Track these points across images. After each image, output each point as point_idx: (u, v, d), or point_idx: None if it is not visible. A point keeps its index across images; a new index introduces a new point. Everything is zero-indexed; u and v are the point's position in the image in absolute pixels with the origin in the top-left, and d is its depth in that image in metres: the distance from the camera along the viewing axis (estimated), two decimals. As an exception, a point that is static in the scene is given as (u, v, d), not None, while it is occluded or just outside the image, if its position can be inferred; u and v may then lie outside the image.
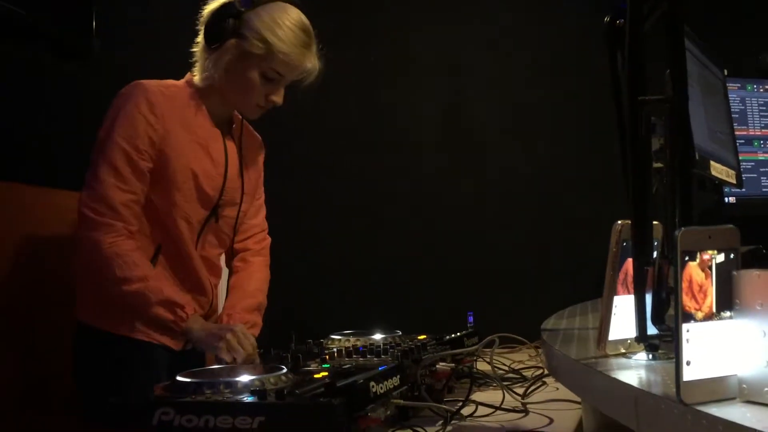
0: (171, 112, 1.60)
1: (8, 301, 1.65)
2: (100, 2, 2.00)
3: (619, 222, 0.95)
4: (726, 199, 2.11)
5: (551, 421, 1.25)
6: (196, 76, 1.67)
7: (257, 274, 1.84)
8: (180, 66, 1.79)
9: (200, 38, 1.65)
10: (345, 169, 2.75)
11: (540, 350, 1.72)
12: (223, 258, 1.86)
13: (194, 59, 1.68)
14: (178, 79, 1.71)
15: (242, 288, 1.79)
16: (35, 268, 1.75)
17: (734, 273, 0.68)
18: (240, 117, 1.78)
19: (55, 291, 1.74)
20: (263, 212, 1.93)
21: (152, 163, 1.58)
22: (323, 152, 2.78)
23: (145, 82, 1.60)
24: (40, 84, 1.90)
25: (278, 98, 1.66)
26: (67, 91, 1.98)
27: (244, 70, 1.60)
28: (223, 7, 1.60)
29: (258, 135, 1.90)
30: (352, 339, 1.68)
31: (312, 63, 1.66)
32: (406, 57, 2.74)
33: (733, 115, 1.92)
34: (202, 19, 1.63)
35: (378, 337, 1.70)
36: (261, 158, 1.89)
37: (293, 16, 1.61)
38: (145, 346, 1.60)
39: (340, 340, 1.69)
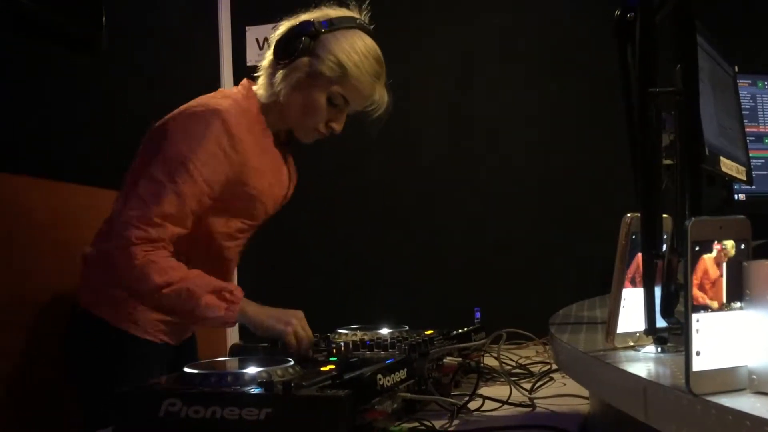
0: (247, 139, 1.55)
1: (8, 298, 1.66)
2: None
3: (629, 215, 0.94)
4: (736, 196, 2.10)
5: (559, 415, 1.25)
6: (260, 90, 1.62)
7: None
8: (187, 61, 1.79)
9: (269, 52, 1.61)
10: (354, 166, 2.75)
11: (547, 347, 1.71)
12: None
13: (259, 73, 1.64)
14: (182, 79, 1.71)
15: None
16: (37, 261, 1.75)
17: (745, 264, 0.68)
18: None
19: (55, 284, 1.74)
20: None
21: (216, 201, 1.55)
22: (332, 149, 2.78)
23: (221, 108, 1.52)
24: (49, 77, 1.90)
25: (338, 125, 1.63)
26: (76, 85, 1.98)
27: (312, 91, 1.56)
28: (301, 24, 1.56)
29: None
30: (359, 333, 1.68)
31: (380, 94, 1.64)
32: (413, 55, 2.73)
33: (743, 112, 1.91)
34: (276, 33, 1.60)
35: (385, 331, 1.70)
36: None
37: (369, 44, 1.59)
38: (143, 341, 1.60)
39: (347, 334, 1.69)
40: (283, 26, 1.59)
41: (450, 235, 2.63)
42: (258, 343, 1.48)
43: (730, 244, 0.68)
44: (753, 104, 2.21)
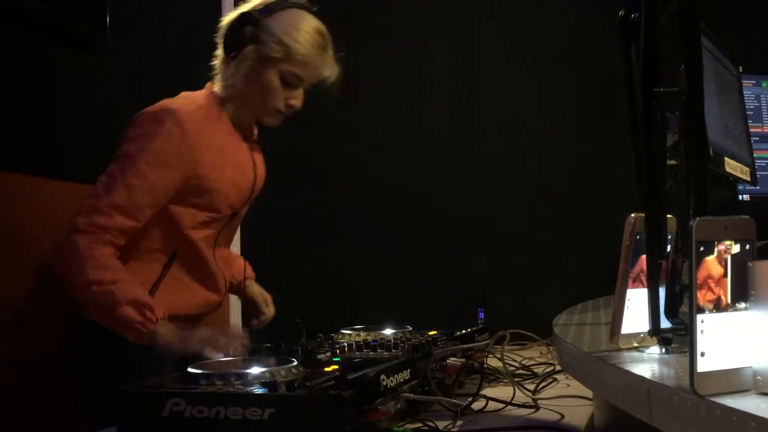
0: (203, 137, 1.61)
1: (10, 295, 1.66)
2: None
3: (633, 215, 0.94)
4: (740, 197, 2.09)
5: (562, 416, 1.24)
6: (217, 87, 1.69)
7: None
8: (190, 61, 1.80)
9: (219, 50, 1.68)
10: (358, 166, 2.75)
11: (551, 347, 1.71)
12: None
13: (214, 72, 1.70)
14: (185, 78, 1.73)
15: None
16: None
17: (750, 264, 0.67)
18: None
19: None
20: None
21: (175, 195, 1.60)
22: (338, 149, 2.79)
23: (175, 107, 1.59)
24: (52, 76, 1.91)
25: (297, 102, 1.69)
26: (80, 84, 1.98)
27: (264, 74, 1.63)
28: (240, 16, 1.63)
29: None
30: (362, 333, 1.68)
31: (330, 66, 1.69)
32: (418, 54, 2.73)
33: (747, 112, 1.91)
34: (220, 32, 1.66)
35: (388, 332, 1.70)
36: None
37: (309, 20, 1.66)
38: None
39: (350, 334, 1.69)
40: (224, 22, 1.66)
41: (454, 236, 2.63)
42: (262, 344, 1.48)
43: (729, 242, 0.68)
44: (757, 104, 2.20)
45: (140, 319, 1.46)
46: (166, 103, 1.62)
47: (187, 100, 1.65)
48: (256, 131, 1.82)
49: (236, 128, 1.73)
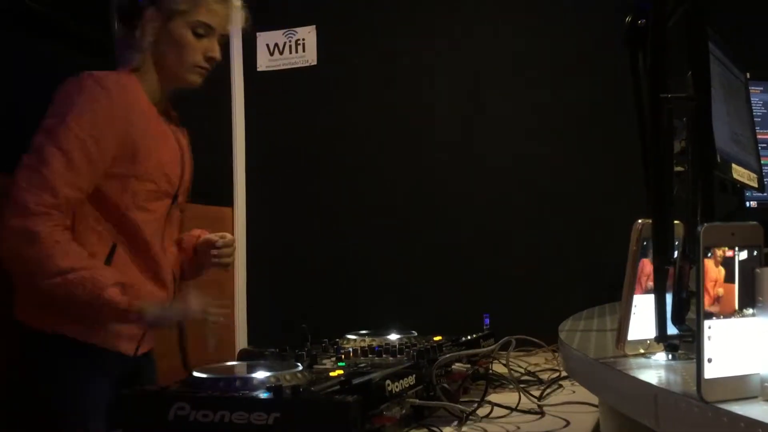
0: (126, 97, 1.55)
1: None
2: None
3: (640, 221, 0.94)
4: (747, 203, 2.08)
5: (568, 423, 1.24)
6: (124, 63, 1.62)
7: None
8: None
9: (116, 26, 1.64)
10: (364, 170, 2.76)
11: (556, 353, 1.70)
12: None
13: (116, 53, 1.65)
14: None
15: None
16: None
17: (757, 270, 0.67)
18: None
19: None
20: None
21: (111, 165, 1.52)
22: (341, 152, 2.79)
23: (96, 73, 1.53)
24: (57, 79, 1.91)
25: (215, 53, 1.66)
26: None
27: (173, 30, 1.60)
28: None
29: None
30: (367, 339, 1.68)
31: (234, 9, 1.67)
32: (423, 57, 2.74)
33: (755, 119, 1.90)
34: (112, 7, 1.64)
35: (393, 337, 1.70)
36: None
37: None
38: (98, 352, 1.52)
39: (355, 339, 1.69)
40: None
41: (459, 241, 2.63)
42: (267, 348, 1.49)
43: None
44: (765, 111, 2.20)
45: (126, 300, 1.43)
46: (87, 72, 1.54)
47: (101, 72, 1.55)
48: (174, 114, 1.74)
49: (158, 102, 1.66)
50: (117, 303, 1.43)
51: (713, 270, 0.67)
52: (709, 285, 0.66)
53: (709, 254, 0.67)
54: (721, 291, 0.66)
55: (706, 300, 0.65)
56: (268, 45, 2.89)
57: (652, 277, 0.92)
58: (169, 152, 1.65)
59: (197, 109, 1.78)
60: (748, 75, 1.76)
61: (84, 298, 1.42)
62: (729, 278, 0.67)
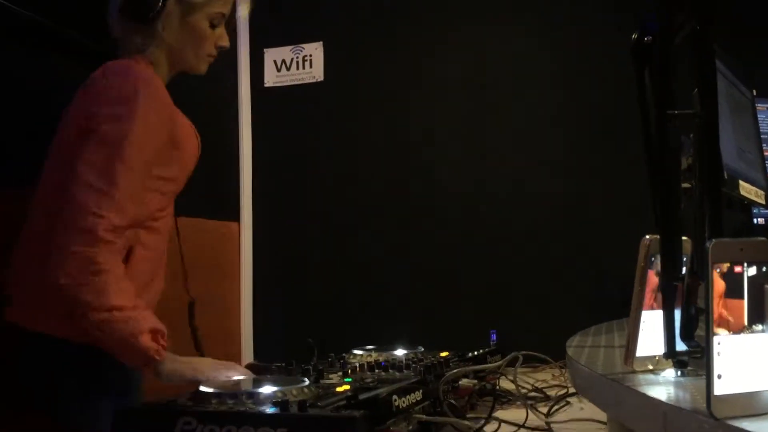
0: (169, 101, 1.56)
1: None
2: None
3: (647, 237, 0.94)
4: (755, 220, 2.08)
5: (576, 440, 1.23)
6: (135, 53, 1.60)
7: None
8: (205, 81, 1.81)
9: (127, 24, 1.60)
10: (370, 185, 2.76)
11: (564, 370, 1.70)
12: None
13: (127, 46, 1.62)
14: (199, 100, 1.72)
15: None
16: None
17: (766, 286, 0.67)
18: None
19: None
20: None
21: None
22: (348, 167, 2.80)
23: (146, 73, 1.53)
24: (60, 91, 1.92)
25: (224, 41, 1.68)
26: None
27: (195, 23, 1.62)
28: None
29: None
30: (374, 354, 1.68)
31: None
32: (429, 73, 2.75)
33: (762, 136, 1.90)
34: (122, 3, 1.58)
35: (400, 352, 1.69)
36: None
37: None
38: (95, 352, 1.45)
39: (362, 354, 1.69)
40: None
41: (466, 257, 2.63)
42: (274, 363, 1.48)
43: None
44: (772, 128, 2.20)
45: (156, 347, 1.40)
46: (137, 68, 1.53)
47: (135, 63, 1.56)
48: None
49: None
50: (147, 350, 1.40)
51: (722, 286, 0.66)
52: (717, 301, 0.66)
53: (718, 270, 0.67)
54: (728, 308, 0.66)
55: (715, 316, 0.65)
56: (275, 61, 2.91)
57: (660, 293, 0.92)
58: (196, 144, 1.68)
59: (204, 123, 1.79)
60: (754, 92, 1.76)
61: (119, 335, 1.38)
62: (738, 294, 0.67)
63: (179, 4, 1.60)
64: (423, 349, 1.74)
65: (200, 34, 1.63)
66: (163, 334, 1.42)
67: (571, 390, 1.52)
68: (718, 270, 0.67)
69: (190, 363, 1.45)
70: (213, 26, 1.65)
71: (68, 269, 1.37)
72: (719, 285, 0.66)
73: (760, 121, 1.96)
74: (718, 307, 0.66)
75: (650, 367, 0.94)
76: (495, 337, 1.88)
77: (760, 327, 0.67)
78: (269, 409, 1.05)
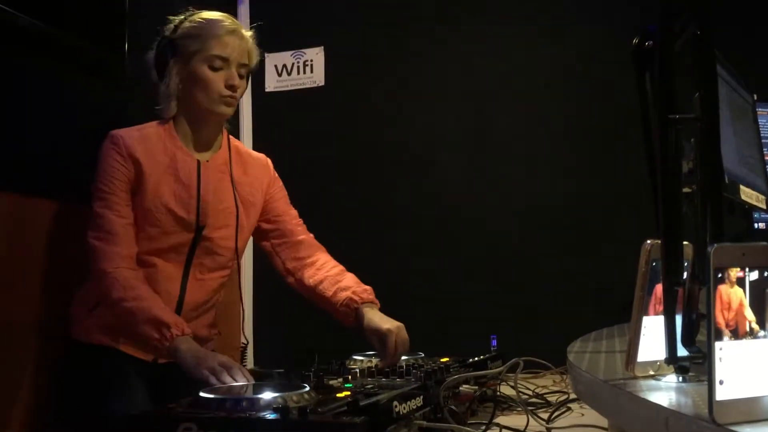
0: (138, 148, 1.70)
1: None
2: (133, 22, 2.05)
3: (649, 241, 0.94)
4: (756, 225, 2.07)
5: (577, 446, 1.23)
6: (165, 109, 1.77)
7: (329, 264, 1.97)
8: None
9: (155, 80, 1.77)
10: (372, 190, 2.76)
11: (565, 376, 1.69)
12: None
13: (160, 106, 1.77)
14: None
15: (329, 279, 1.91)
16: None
17: (768, 291, 0.67)
18: (232, 142, 1.85)
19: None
20: (298, 226, 2.01)
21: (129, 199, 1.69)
22: (349, 172, 2.80)
23: (114, 132, 1.71)
24: (72, 102, 1.93)
25: (235, 80, 1.73)
26: (97, 109, 2.01)
27: (193, 71, 1.71)
28: (157, 44, 1.75)
29: (261, 155, 1.95)
30: (374, 360, 1.68)
31: (245, 40, 1.76)
32: (429, 78, 2.75)
33: (763, 140, 1.90)
34: (149, 65, 1.77)
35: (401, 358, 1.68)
36: (267, 178, 1.92)
37: (210, 11, 1.77)
38: (126, 359, 1.65)
39: (362, 360, 1.69)
40: (150, 55, 1.78)
41: (466, 262, 2.62)
42: (274, 369, 1.48)
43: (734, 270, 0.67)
44: (773, 133, 2.19)
45: (157, 337, 1.52)
46: (110, 131, 1.73)
47: (138, 126, 1.76)
48: (225, 153, 1.83)
49: (194, 146, 1.78)
50: (148, 339, 1.55)
51: (724, 291, 0.66)
52: (719, 306, 0.66)
53: (720, 275, 0.66)
54: (731, 312, 0.66)
55: (717, 321, 0.65)
56: (276, 66, 2.92)
57: (661, 298, 0.91)
58: (181, 188, 1.74)
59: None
60: (755, 96, 1.76)
61: (126, 327, 1.60)
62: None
63: (179, 57, 1.72)
64: (423, 355, 1.74)
65: (202, 77, 1.71)
66: (168, 326, 1.53)
67: (572, 396, 1.51)
68: (720, 275, 0.66)
69: (200, 360, 1.49)
70: (215, 69, 1.72)
71: (98, 285, 1.65)
72: (736, 292, 0.66)
73: (760, 126, 1.95)
74: (723, 312, 0.66)
75: (651, 372, 0.93)
76: (495, 343, 1.88)
77: (762, 332, 0.66)
78: (270, 415, 1.05)
